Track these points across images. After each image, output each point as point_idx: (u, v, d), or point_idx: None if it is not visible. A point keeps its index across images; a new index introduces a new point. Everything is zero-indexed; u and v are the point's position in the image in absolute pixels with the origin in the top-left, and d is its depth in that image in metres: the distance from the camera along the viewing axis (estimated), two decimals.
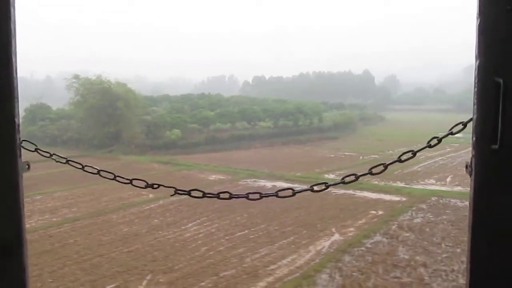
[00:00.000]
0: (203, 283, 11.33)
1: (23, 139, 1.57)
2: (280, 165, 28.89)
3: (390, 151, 35.11)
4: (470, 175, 1.21)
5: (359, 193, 20.53)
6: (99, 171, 2.23)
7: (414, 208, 18.13)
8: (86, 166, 2.24)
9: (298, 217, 16.93)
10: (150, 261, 12.85)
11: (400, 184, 22.84)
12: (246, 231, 15.51)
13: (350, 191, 20.43)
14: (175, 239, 14.82)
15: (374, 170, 2.04)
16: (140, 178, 2.27)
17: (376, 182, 23.20)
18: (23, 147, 1.56)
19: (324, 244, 14.08)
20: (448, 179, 23.92)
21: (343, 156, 33.10)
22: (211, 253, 13.43)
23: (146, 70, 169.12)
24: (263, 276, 11.72)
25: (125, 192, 21.59)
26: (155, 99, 48.53)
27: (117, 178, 2.24)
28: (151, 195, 20.90)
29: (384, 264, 12.29)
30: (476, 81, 1.15)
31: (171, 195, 2.30)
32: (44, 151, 2.13)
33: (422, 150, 2.11)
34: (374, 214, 17.25)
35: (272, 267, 12.31)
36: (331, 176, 25.48)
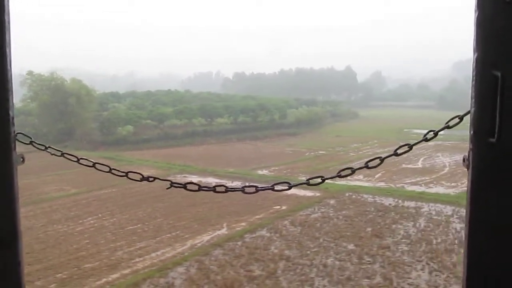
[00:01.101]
0: (58, 275, 11.50)
1: (18, 131, 1.54)
2: (219, 161, 29.04)
3: (341, 148, 35.31)
4: (468, 169, 1.19)
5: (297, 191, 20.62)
6: (94, 164, 2.17)
7: (321, 204, 18.29)
8: (81, 159, 2.18)
9: (199, 212, 17.08)
10: (25, 253, 13.01)
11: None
12: (139, 225, 15.67)
13: None
14: (64, 232, 14.98)
15: (370, 164, 1.98)
16: (136, 171, 2.17)
17: (304, 178, 23.36)
18: (18, 140, 1.52)
19: (204, 238, 14.24)
20: (378, 175, 24.02)
21: (291, 152, 33.22)
22: (89, 246, 13.60)
23: (138, 66, 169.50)
24: (121, 268, 11.89)
25: (50, 187, 21.83)
26: (120, 96, 48.65)
27: (113, 171, 2.17)
28: (73, 190, 21.11)
29: (248, 258, 12.46)
30: (474, 74, 1.13)
31: (167, 188, 2.23)
32: (39, 144, 2.06)
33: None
34: (276, 209, 17.39)
35: (137, 259, 12.48)
36: (264, 172, 25.64)
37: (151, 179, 2.18)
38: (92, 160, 2.19)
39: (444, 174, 24.40)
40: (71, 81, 36.74)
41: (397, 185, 21.91)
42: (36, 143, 2.03)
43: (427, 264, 11.99)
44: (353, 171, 2.03)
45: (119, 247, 13.49)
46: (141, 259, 12.56)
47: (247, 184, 2.25)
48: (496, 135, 1.08)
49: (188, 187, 2.12)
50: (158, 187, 21.05)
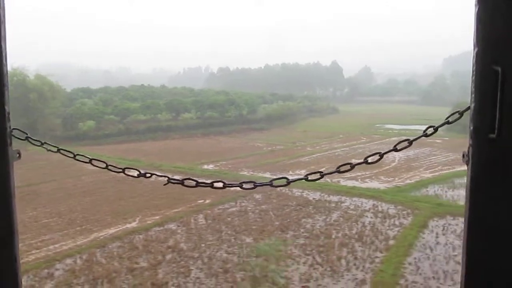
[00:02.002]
0: None
1: (14, 127, 1.53)
2: (173, 156, 29.33)
3: (302, 142, 35.53)
4: (467, 164, 1.18)
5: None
6: (91, 160, 2.16)
7: (246, 197, 18.53)
8: (77, 155, 2.18)
9: (121, 206, 17.36)
10: None
11: (264, 175, 23.18)
12: (55, 218, 15.97)
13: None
14: None
15: (369, 159, 1.98)
16: (133, 167, 2.18)
17: (246, 173, 23.68)
18: (13, 136, 1.50)
19: (110, 231, 14.52)
20: (322, 170, 24.24)
21: (249, 147, 33.50)
22: None
23: (133, 62, 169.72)
24: None
25: None
26: (91, 91, 48.83)
27: (109, 167, 2.15)
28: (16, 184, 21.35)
29: (141, 250, 12.75)
30: (474, 69, 1.12)
31: (164, 184, 2.20)
32: (35, 140, 2.03)
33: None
34: (199, 203, 17.65)
35: (34, 252, 12.76)
36: (209, 166, 25.91)
37: (148, 175, 2.19)
38: (89, 157, 2.18)
39: (387, 169, 24.61)
40: (35, 77, 37.01)
41: (334, 180, 22.17)
42: (32, 138, 2.00)
43: (313, 258, 12.25)
44: (352, 166, 2.01)
45: (22, 240, 13.76)
46: (37, 251, 12.85)
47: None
48: (496, 131, 1.06)
49: (185, 183, 2.10)
50: (95, 181, 21.36)
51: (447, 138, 33.99)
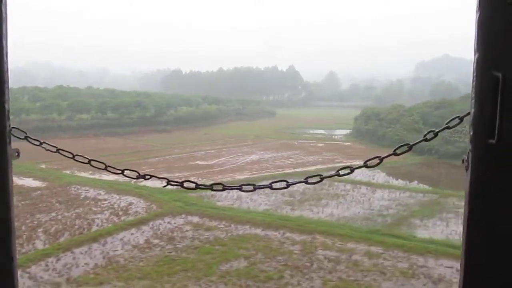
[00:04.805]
0: None
1: (13, 126, 1.51)
2: (33, 156, 29.78)
3: (181, 145, 35.97)
4: (466, 170, 1.18)
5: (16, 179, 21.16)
6: (89, 160, 2.18)
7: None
8: (76, 155, 2.20)
9: None
10: None
11: (81, 174, 23.47)
12: None
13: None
14: None
15: (369, 163, 1.99)
16: (133, 169, 2.21)
17: (68, 172, 23.93)
18: (12, 135, 1.50)
19: None
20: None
21: (126, 147, 34.07)
22: None
23: (113, 63, 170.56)
24: None
25: None
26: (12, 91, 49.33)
27: (108, 169, 2.16)
28: None
29: None
30: (474, 75, 1.12)
31: (163, 186, 2.22)
32: (34, 139, 2.05)
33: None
34: None
35: None
36: (42, 166, 26.19)
37: (147, 177, 2.17)
38: (88, 157, 2.20)
39: (212, 171, 24.95)
40: None
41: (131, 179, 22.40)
42: (31, 138, 2.02)
43: None
44: (352, 170, 2.03)
45: None
46: None
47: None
48: (496, 136, 1.06)
49: (185, 185, 2.09)
50: None
51: (363, 146, 34.81)
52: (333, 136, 45.01)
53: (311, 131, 48.58)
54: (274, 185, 2.07)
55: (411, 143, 1.95)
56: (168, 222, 15.05)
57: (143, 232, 14.12)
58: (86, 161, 2.17)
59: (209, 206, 17.06)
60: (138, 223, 14.92)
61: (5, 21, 1.30)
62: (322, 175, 2.04)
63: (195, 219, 15.47)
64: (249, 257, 12.08)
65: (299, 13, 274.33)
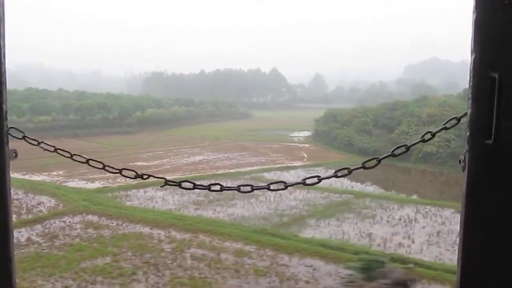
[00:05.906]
0: None
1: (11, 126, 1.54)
2: None
3: (134, 146, 36.11)
4: (463, 170, 1.19)
5: None
6: (87, 160, 2.18)
7: None
8: (74, 155, 2.20)
9: None
10: None
11: (14, 175, 23.81)
12: None
13: None
14: None
15: (367, 164, 2.02)
16: (130, 169, 2.23)
17: (13, 174, 24.33)
18: (10, 135, 1.50)
19: None
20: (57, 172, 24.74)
21: (80, 148, 34.36)
22: None
23: (108, 65, 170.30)
24: None
25: None
26: None
27: (106, 168, 2.16)
28: None
29: None
30: (471, 75, 1.13)
31: (161, 186, 2.21)
32: (32, 139, 2.04)
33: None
34: None
35: None
36: None
37: (145, 176, 2.19)
38: (85, 157, 2.20)
39: (146, 172, 24.94)
40: None
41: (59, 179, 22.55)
42: (29, 138, 1.99)
43: None
44: (350, 171, 2.02)
45: None
46: None
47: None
48: (492, 137, 1.07)
49: (182, 185, 2.10)
50: None
51: (316, 148, 34.97)
52: (294, 138, 45.28)
53: (276, 133, 48.83)
54: (272, 187, 2.10)
55: (409, 144, 1.95)
56: (63, 221, 15.34)
57: (32, 230, 14.38)
58: (84, 160, 2.17)
59: (113, 206, 17.32)
60: (33, 222, 15.19)
61: (2, 22, 1.31)
62: (319, 176, 2.08)
63: (94, 218, 15.76)
64: (117, 255, 12.37)
65: (287, 15, 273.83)
